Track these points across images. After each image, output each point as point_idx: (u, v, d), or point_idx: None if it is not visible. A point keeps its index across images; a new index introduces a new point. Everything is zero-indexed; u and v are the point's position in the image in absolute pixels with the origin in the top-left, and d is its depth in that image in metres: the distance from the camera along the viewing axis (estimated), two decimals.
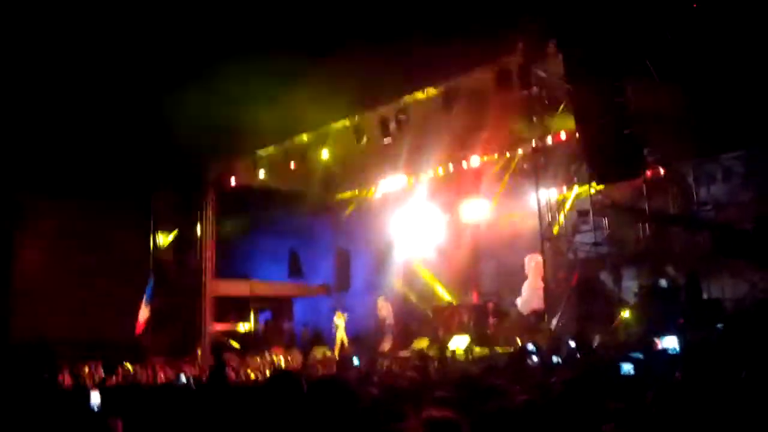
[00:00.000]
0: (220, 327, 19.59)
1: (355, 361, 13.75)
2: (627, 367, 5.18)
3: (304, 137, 16.82)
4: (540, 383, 5.60)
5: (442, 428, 2.75)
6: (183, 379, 12.47)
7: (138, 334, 17.01)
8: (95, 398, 6.48)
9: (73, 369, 13.00)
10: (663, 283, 13.85)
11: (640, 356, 5.91)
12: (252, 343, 19.66)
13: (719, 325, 10.26)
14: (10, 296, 16.59)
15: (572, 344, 11.27)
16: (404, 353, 15.71)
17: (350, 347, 17.48)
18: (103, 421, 5.32)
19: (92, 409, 6.41)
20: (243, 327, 20.50)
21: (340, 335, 18.60)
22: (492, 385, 5.14)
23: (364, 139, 15.76)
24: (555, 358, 9.21)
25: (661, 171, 15.32)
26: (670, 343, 7.45)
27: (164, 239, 19.42)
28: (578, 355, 9.81)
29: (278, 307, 21.63)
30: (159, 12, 14.03)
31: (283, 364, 16.54)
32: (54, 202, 17.33)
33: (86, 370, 13.34)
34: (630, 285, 15.00)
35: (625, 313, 13.58)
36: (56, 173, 16.62)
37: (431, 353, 14.54)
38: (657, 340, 7.67)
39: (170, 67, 15.04)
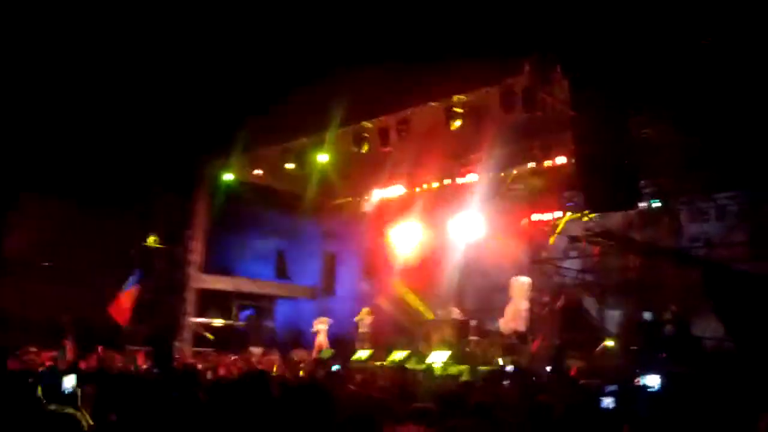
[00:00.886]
0: (200, 320, 19.48)
1: (334, 367, 13.66)
2: (607, 401, 5.14)
3: (303, 140, 16.76)
4: (517, 405, 5.58)
5: None
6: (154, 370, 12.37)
7: (124, 323, 16.92)
8: (69, 381, 6.37)
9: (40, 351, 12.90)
10: (647, 315, 13.89)
11: (616, 389, 5.88)
12: (231, 340, 19.56)
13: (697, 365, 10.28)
14: None
15: (548, 369, 11.28)
16: (382, 363, 15.65)
17: (329, 353, 17.38)
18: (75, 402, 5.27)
19: (64, 392, 6.32)
20: (222, 323, 20.37)
21: (320, 340, 18.53)
22: (476, 402, 5.11)
23: (365, 147, 15.74)
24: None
25: (655, 204, 15.40)
26: (651, 381, 7.41)
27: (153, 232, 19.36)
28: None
29: (261, 306, 21.53)
30: (152, 9, 14.04)
31: (258, 366, 16.46)
32: (42, 196, 17.36)
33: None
34: (614, 314, 15.04)
35: (608, 342, 13.60)
36: (46, 167, 16.61)
37: (409, 366, 14.49)
38: (638, 378, 7.64)
39: (167, 62, 15.05)
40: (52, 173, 16.71)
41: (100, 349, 13.37)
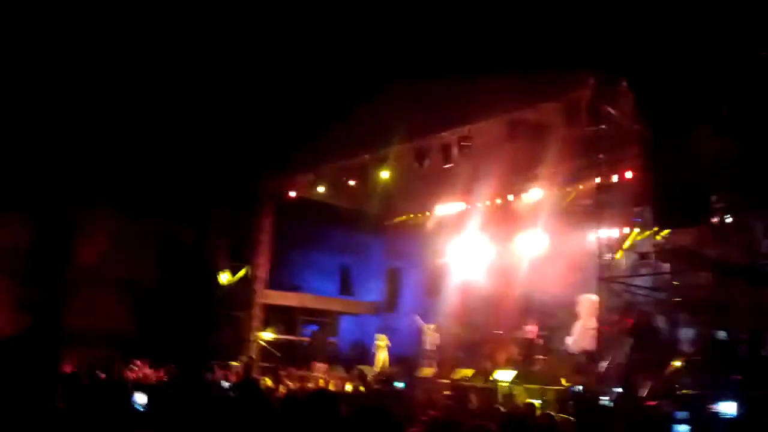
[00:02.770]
0: (266, 336, 19.77)
1: (399, 384, 13.64)
2: (681, 429, 4.95)
3: (365, 156, 16.87)
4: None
5: None
6: (225, 384, 12.59)
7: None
8: (141, 398, 6.53)
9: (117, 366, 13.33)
10: (722, 335, 13.38)
11: (688, 416, 5.65)
12: (296, 355, 19.78)
13: None
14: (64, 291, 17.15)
15: (619, 390, 10.95)
16: (446, 381, 15.54)
17: (392, 370, 17.35)
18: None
19: (136, 408, 6.48)
20: (288, 338, 20.64)
21: (382, 356, 18.53)
22: (540, 424, 5.01)
23: (426, 163, 15.74)
24: (603, 399, 8.93)
25: (728, 219, 14.87)
26: (727, 408, 7.10)
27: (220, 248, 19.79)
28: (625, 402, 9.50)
29: (325, 321, 21.71)
30: (218, 24, 14.41)
31: (323, 380, 16.60)
32: (112, 210, 17.96)
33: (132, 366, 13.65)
34: (687, 333, 14.53)
35: (679, 363, 13.15)
36: (115, 182, 17.20)
37: (475, 383, 14.35)
38: (712, 405, 7.33)
39: (233, 80, 15.42)
40: (122, 188, 17.28)
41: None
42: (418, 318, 18.65)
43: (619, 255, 14.54)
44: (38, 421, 4.43)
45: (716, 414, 7.00)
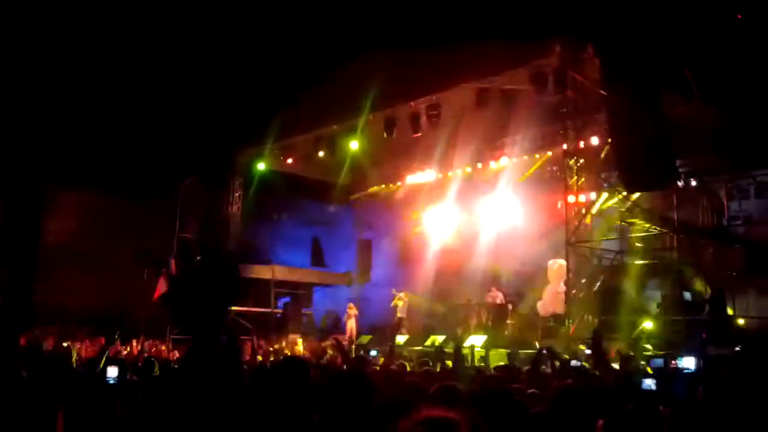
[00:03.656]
0: (239, 309, 19.74)
1: (372, 352, 13.75)
2: (648, 382, 5.11)
3: (334, 127, 16.80)
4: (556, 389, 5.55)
5: (439, 428, 2.71)
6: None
7: (156, 304, 17.27)
8: (112, 372, 6.47)
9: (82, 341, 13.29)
10: (687, 295, 13.68)
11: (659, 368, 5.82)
12: (270, 327, 19.81)
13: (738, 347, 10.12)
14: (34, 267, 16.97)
15: (588, 351, 11.17)
16: (419, 348, 15.72)
17: (367, 339, 17.48)
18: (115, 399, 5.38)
19: (107, 382, 6.44)
20: (262, 310, 20.63)
21: (350, 326, 18.68)
22: (509, 391, 5.10)
23: (394, 133, 15.73)
24: (574, 362, 9.13)
25: (693, 182, 15.12)
26: (687, 363, 7.34)
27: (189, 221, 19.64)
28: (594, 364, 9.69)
29: (298, 293, 21.74)
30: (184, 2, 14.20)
31: (300, 350, 16.67)
32: (78, 186, 17.73)
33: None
34: (653, 295, 14.84)
35: (647, 323, 13.44)
36: (80, 158, 16.96)
37: (447, 349, 14.52)
38: (674, 361, 7.57)
39: (199, 54, 15.22)
40: (87, 164, 17.06)
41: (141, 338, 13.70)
42: (393, 290, 18.79)
43: (587, 220, 14.73)
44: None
45: (678, 369, 7.24)
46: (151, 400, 5.05)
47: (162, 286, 17.43)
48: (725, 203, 14.93)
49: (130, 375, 6.77)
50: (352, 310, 18.93)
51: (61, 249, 17.49)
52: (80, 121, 16.51)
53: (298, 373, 4.16)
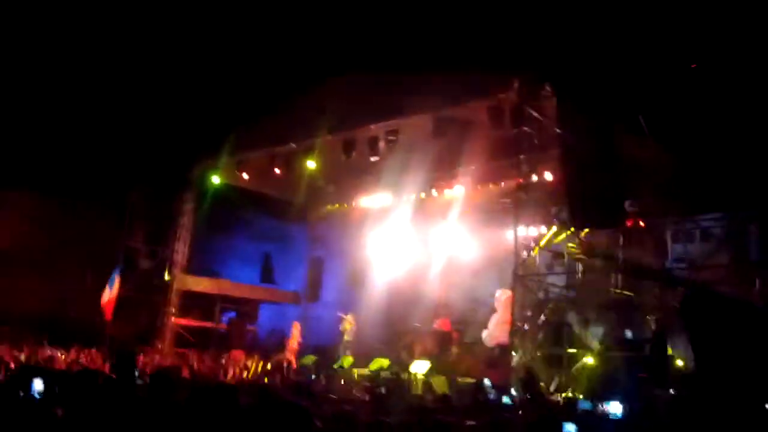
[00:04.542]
0: (183, 321, 19.40)
1: (312, 375, 13.65)
2: (569, 427, 5.13)
3: (292, 145, 16.74)
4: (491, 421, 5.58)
5: None
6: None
7: (106, 320, 16.91)
8: (38, 384, 6.27)
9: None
10: (629, 334, 13.89)
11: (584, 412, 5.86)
12: (213, 342, 19.52)
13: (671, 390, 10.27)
14: None
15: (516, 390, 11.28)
16: (362, 371, 15.64)
17: (311, 359, 17.31)
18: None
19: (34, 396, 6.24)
20: (205, 324, 20.32)
21: (292, 345, 18.46)
22: (441, 422, 5.11)
23: (353, 155, 15.75)
24: (505, 398, 9.19)
25: (640, 223, 15.41)
26: (614, 408, 7.42)
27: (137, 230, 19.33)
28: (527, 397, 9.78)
29: (244, 309, 21.46)
30: (148, 12, 14.09)
31: (239, 370, 16.45)
32: (26, 192, 17.34)
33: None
34: (596, 332, 15.04)
35: (588, 359, 13.60)
36: (29, 164, 16.60)
37: (388, 375, 14.50)
38: (602, 405, 7.65)
39: (159, 64, 15.07)
40: (36, 170, 16.68)
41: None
42: (341, 314, 18.66)
43: (535, 252, 14.90)
44: None
45: (605, 414, 7.30)
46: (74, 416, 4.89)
47: (107, 295, 17.09)
48: (669, 245, 15.25)
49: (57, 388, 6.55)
50: (296, 329, 18.72)
51: (5, 254, 17.08)
52: (28, 123, 16.14)
53: (227, 400, 4.11)
